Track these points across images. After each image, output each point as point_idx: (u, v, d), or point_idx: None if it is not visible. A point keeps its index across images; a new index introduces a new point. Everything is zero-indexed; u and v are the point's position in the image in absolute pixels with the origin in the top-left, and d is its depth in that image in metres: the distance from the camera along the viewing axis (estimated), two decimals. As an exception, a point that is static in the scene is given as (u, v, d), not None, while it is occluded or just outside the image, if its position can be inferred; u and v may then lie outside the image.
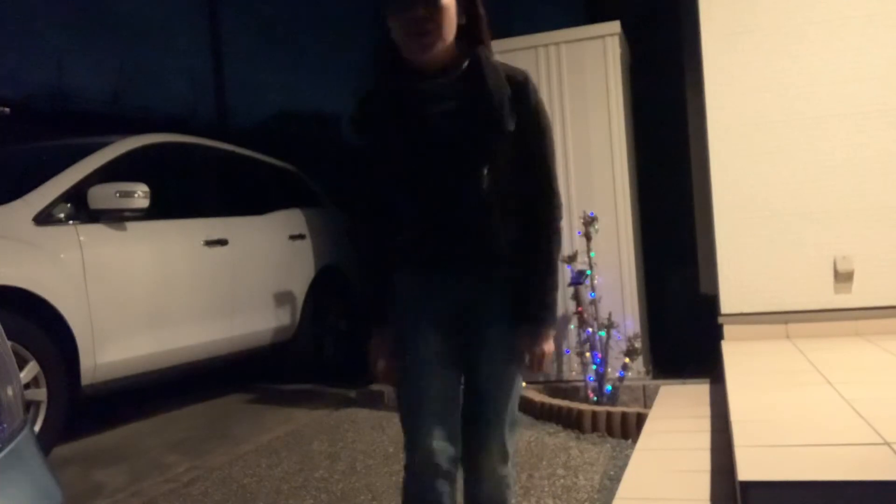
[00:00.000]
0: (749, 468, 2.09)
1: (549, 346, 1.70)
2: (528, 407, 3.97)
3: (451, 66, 1.64)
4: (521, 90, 1.64)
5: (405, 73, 1.65)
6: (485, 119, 1.62)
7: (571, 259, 4.22)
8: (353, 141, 1.81)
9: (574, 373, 4.38)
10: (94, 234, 3.81)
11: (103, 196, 3.82)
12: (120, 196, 3.84)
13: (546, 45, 4.59)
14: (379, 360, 1.75)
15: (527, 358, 1.70)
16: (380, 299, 1.76)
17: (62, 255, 3.62)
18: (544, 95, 4.53)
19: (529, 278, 1.68)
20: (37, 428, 3.31)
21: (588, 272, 4.20)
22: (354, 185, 1.80)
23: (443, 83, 1.64)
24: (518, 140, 1.64)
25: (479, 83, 1.62)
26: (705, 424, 3.27)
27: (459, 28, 1.62)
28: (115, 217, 3.91)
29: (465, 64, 1.64)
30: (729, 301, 4.36)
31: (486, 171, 1.63)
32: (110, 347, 3.78)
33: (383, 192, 1.73)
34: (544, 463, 3.19)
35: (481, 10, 1.65)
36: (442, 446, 1.64)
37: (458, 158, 1.64)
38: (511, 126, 1.62)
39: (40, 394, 3.38)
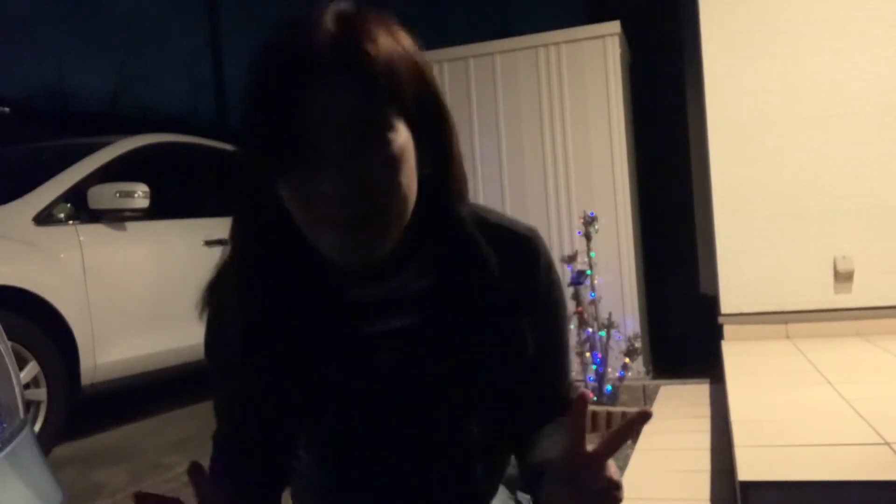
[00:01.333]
0: (749, 468, 2.09)
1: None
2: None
3: (403, 247, 0.86)
4: (527, 267, 0.92)
5: (314, 265, 0.87)
6: (473, 345, 0.90)
7: (571, 259, 4.21)
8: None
9: (574, 373, 4.38)
10: (94, 234, 3.81)
11: (103, 196, 3.82)
12: (120, 196, 3.85)
13: (546, 46, 4.59)
14: None
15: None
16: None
17: (62, 255, 3.62)
18: (544, 95, 4.54)
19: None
20: (37, 428, 3.31)
21: (588, 272, 4.20)
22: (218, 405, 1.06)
23: (391, 287, 0.90)
24: (523, 345, 0.94)
25: (459, 278, 0.90)
26: (705, 424, 3.27)
27: (420, 182, 0.84)
28: (115, 217, 3.91)
29: (429, 240, 0.89)
30: (729, 301, 4.36)
31: (471, 424, 0.95)
32: (110, 347, 3.78)
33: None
34: (544, 463, 3.19)
35: (456, 148, 0.88)
36: None
37: (420, 409, 0.92)
38: (526, 352, 0.93)
39: (40, 394, 3.37)
